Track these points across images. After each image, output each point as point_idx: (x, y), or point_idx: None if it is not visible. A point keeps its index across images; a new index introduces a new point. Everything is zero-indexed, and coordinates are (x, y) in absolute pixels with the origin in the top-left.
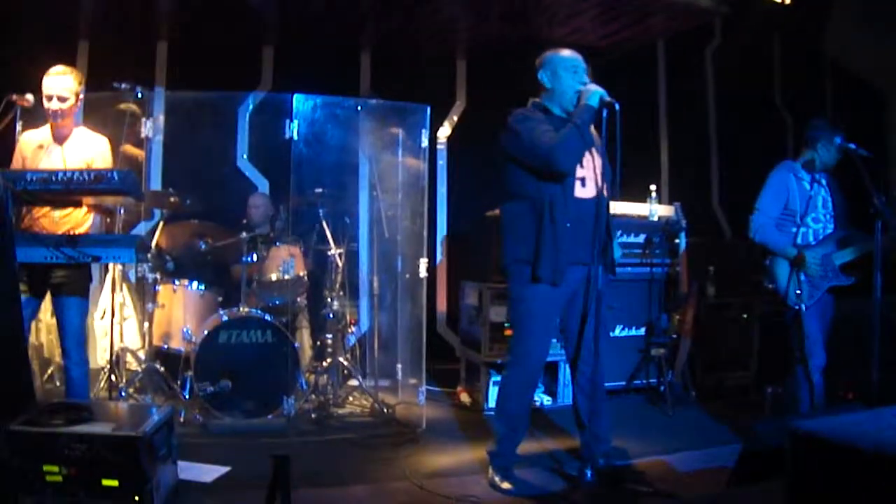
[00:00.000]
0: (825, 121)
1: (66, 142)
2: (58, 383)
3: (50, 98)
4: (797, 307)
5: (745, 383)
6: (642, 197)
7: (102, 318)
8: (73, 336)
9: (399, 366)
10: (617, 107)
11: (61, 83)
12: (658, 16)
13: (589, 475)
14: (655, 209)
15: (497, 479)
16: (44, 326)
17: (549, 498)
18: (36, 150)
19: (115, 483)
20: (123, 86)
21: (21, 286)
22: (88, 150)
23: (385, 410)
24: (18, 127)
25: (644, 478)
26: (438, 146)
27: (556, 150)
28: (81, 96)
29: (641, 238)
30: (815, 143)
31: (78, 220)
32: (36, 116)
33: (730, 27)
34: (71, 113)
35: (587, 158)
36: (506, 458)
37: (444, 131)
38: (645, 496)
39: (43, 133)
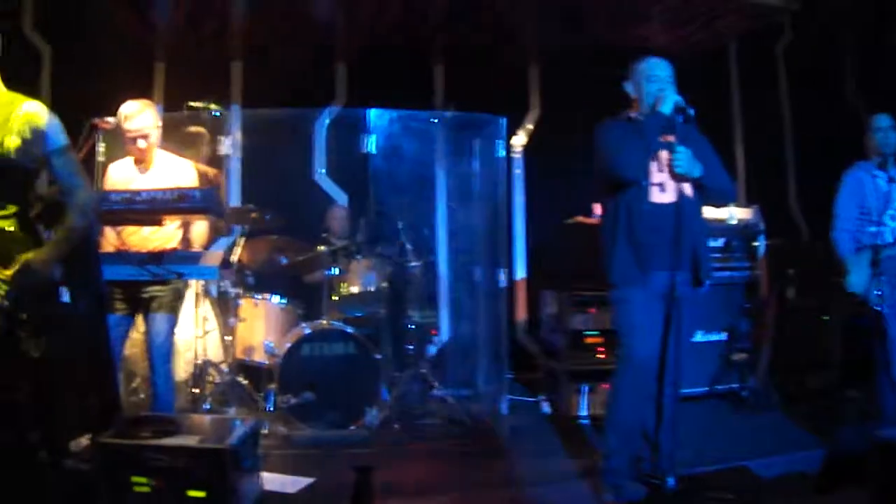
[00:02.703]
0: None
1: (150, 169)
2: (142, 396)
3: (134, 140)
4: (878, 309)
5: (827, 387)
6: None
7: (185, 332)
8: (161, 352)
9: (480, 375)
10: (692, 112)
11: (141, 122)
12: (728, 17)
13: (671, 483)
14: (734, 212)
15: (609, 497)
16: (128, 340)
17: None
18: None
19: (201, 494)
20: (200, 105)
21: (117, 304)
22: (173, 175)
23: (467, 420)
24: (100, 148)
25: (727, 485)
26: (514, 155)
27: (615, 159)
28: (159, 123)
29: (721, 242)
30: (867, 135)
31: (167, 236)
32: (116, 136)
33: (800, 23)
34: (155, 144)
35: (667, 163)
36: (618, 475)
37: (520, 140)
38: (729, 503)
39: (126, 168)
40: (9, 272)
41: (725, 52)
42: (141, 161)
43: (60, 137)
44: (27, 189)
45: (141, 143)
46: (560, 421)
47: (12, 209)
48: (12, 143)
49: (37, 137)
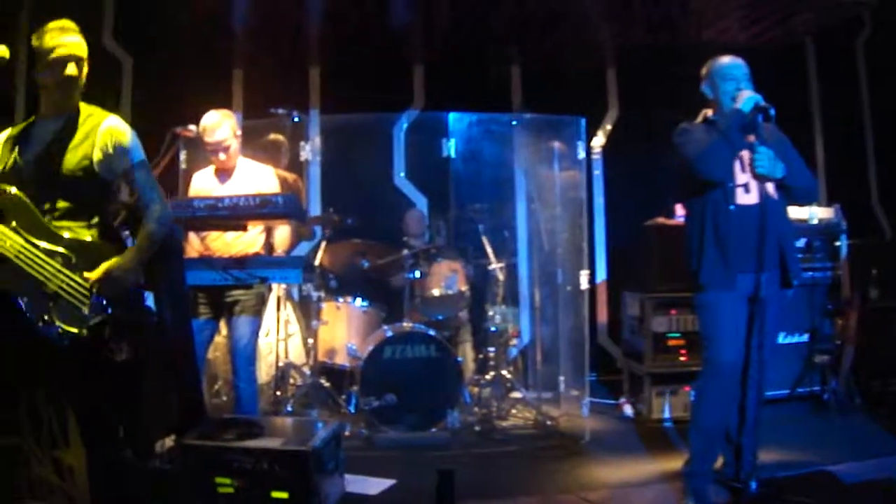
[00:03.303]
0: None
1: (232, 177)
2: (224, 398)
3: (216, 151)
4: None
5: None
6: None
7: (267, 335)
8: (244, 355)
9: (561, 377)
10: (772, 112)
11: (221, 133)
12: (805, 12)
13: (753, 487)
14: (815, 212)
15: (691, 501)
16: (211, 344)
17: None
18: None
19: (284, 495)
20: (280, 111)
21: (201, 308)
22: (255, 181)
23: (548, 422)
24: (182, 156)
25: (809, 490)
26: (593, 156)
27: (699, 161)
28: (239, 131)
29: (802, 242)
30: None
31: (250, 241)
32: (198, 147)
33: (880, 16)
34: (236, 153)
35: (750, 164)
36: (702, 478)
37: (598, 140)
38: None
39: (209, 176)
40: (93, 276)
41: (803, 48)
42: (223, 170)
43: (139, 152)
44: (108, 200)
45: (221, 156)
46: (642, 424)
47: (94, 220)
48: (95, 156)
49: (118, 152)
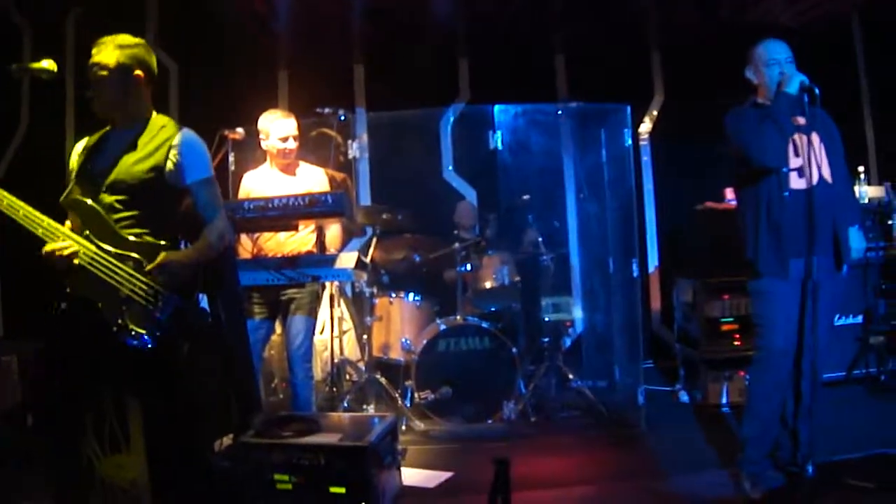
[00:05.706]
0: None
1: (289, 178)
2: (281, 396)
3: (286, 139)
4: None
5: None
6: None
7: (322, 332)
8: (300, 353)
9: (616, 366)
10: (817, 91)
11: (291, 125)
12: None
13: (810, 471)
14: (865, 191)
15: (747, 486)
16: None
17: (771, 494)
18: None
19: (342, 490)
20: (326, 110)
21: (255, 308)
22: (307, 181)
23: (604, 411)
24: (231, 158)
25: (867, 473)
26: (641, 142)
27: (752, 148)
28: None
29: None
30: None
31: (302, 239)
32: (246, 149)
33: None
34: (294, 153)
35: (803, 147)
36: (757, 465)
37: (645, 126)
38: (870, 492)
39: (262, 178)
40: (151, 265)
41: (849, 24)
42: (281, 170)
43: (209, 169)
44: (177, 209)
45: (290, 143)
46: (698, 409)
47: (164, 226)
48: (167, 166)
49: (189, 164)
